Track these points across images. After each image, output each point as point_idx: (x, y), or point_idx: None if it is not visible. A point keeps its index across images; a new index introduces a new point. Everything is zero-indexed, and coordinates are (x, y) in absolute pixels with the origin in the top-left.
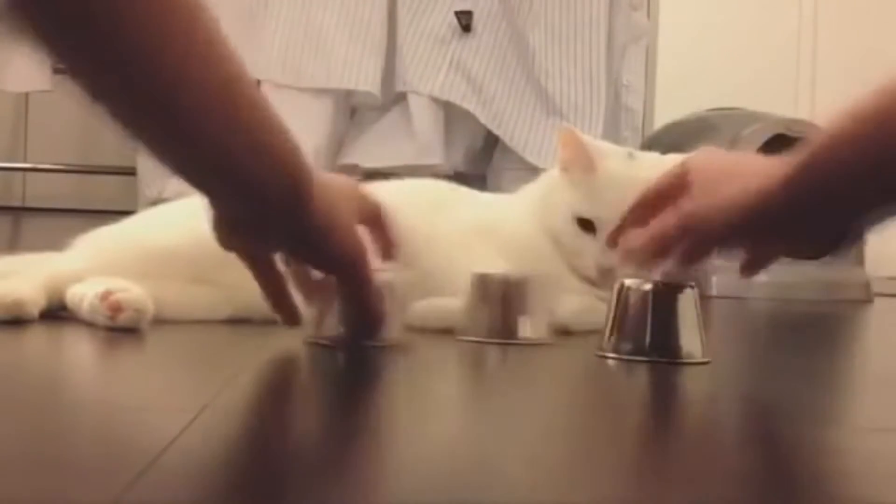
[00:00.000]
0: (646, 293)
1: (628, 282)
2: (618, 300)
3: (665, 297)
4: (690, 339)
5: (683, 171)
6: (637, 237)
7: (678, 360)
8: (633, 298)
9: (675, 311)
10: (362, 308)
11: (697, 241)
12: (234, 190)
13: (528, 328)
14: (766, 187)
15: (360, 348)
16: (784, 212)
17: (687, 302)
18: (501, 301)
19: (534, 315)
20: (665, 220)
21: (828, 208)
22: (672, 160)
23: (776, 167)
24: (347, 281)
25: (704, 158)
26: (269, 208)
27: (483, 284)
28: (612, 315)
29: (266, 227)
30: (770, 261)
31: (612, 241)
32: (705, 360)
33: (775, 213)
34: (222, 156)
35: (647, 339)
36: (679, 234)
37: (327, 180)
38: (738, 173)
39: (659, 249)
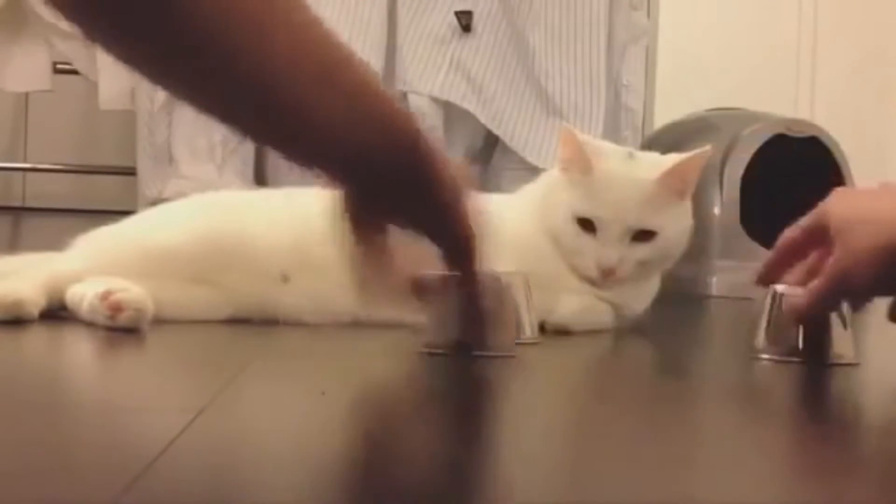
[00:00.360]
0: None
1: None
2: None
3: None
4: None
5: (820, 217)
6: (797, 300)
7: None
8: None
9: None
10: (471, 303)
11: (849, 296)
12: (357, 163)
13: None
14: None
15: (471, 357)
16: None
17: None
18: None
19: (523, 315)
20: (821, 286)
21: None
22: (672, 160)
23: None
24: (459, 263)
25: (839, 203)
26: (393, 176)
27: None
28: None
29: (394, 201)
30: None
31: (763, 283)
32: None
33: None
34: (335, 128)
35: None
36: (837, 294)
37: (448, 158)
38: (875, 219)
39: (818, 310)
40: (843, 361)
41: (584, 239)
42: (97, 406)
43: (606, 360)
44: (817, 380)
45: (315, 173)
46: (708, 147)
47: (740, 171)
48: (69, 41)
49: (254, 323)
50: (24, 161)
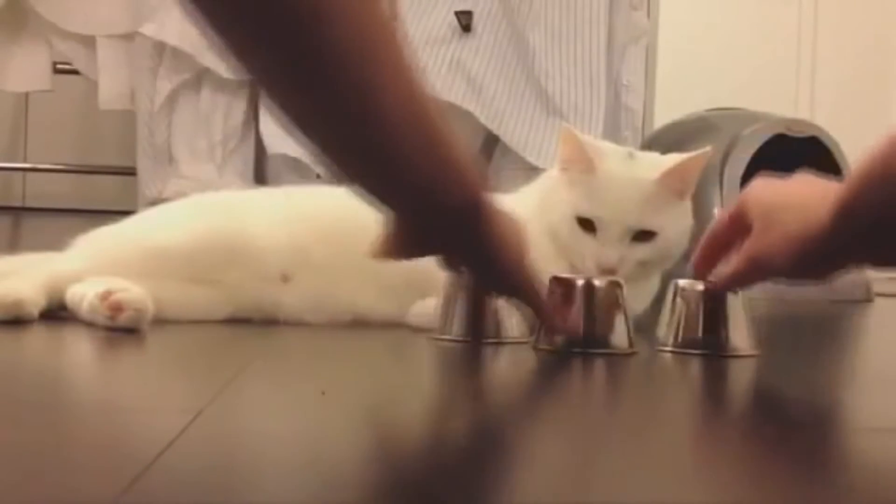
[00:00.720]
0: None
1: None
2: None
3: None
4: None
5: (742, 204)
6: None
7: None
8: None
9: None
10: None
11: (766, 277)
12: (418, 201)
13: (507, 327)
14: (817, 221)
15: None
16: (838, 241)
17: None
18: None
19: (513, 314)
20: (736, 267)
21: (880, 231)
22: (672, 160)
23: (826, 196)
24: (524, 302)
25: (760, 190)
26: (449, 219)
27: (460, 284)
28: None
29: (445, 239)
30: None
31: (699, 275)
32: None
33: (831, 243)
34: (410, 169)
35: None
36: (751, 275)
37: (497, 209)
38: (792, 204)
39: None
40: (742, 353)
41: (584, 239)
42: (97, 406)
43: (601, 359)
44: (716, 372)
45: (378, 204)
46: (708, 147)
47: (740, 171)
48: (69, 41)
49: (254, 323)
50: (24, 161)
